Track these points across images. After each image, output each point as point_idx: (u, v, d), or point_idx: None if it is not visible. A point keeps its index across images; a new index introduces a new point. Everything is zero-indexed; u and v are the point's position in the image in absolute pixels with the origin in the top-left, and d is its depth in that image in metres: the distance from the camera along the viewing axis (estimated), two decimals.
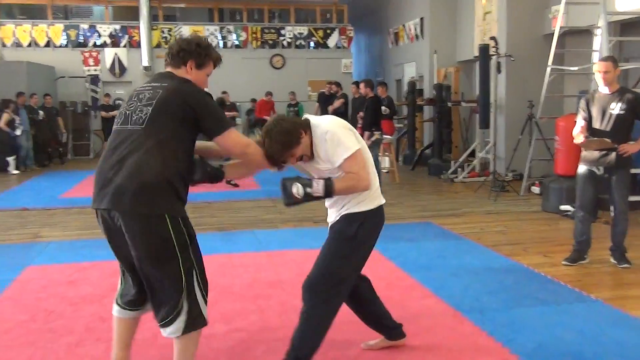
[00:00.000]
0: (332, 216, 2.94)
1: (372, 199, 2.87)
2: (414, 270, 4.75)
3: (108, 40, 15.55)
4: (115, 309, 2.81)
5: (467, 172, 10.03)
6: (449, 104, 11.19)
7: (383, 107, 9.80)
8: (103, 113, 14.22)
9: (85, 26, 15.57)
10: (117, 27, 15.63)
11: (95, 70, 15.49)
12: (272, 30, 16.44)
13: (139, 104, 2.56)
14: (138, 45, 15.51)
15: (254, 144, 2.70)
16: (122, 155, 2.48)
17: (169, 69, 2.70)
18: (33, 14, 16.59)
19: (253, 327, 3.60)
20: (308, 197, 2.69)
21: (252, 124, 14.10)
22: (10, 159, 11.97)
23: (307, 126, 2.76)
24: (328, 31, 16.70)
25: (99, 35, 15.52)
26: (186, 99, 2.54)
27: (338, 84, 12.89)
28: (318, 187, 2.68)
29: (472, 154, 10.54)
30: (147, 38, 15.35)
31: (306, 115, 2.89)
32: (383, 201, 2.94)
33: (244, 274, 4.73)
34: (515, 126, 9.31)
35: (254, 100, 14.99)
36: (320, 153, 2.75)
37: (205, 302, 2.67)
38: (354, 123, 11.28)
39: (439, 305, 3.96)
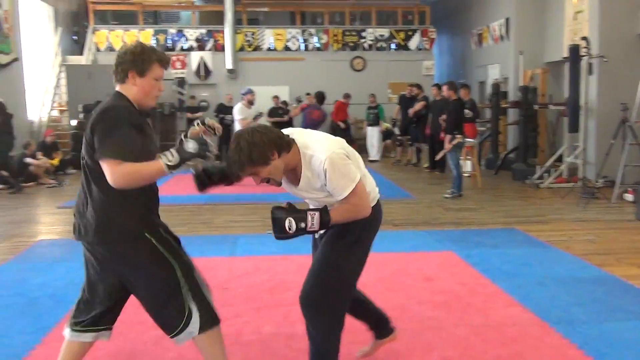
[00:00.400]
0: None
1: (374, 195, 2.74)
2: (497, 278, 4.61)
3: (194, 44, 16.06)
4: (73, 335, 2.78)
5: (554, 177, 9.65)
6: (535, 107, 10.82)
7: (466, 110, 9.59)
8: (188, 114, 14.73)
9: (173, 31, 16.15)
10: (203, 31, 16.12)
11: (182, 73, 16.02)
12: (353, 33, 16.46)
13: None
14: (222, 48, 15.93)
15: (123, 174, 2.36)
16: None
17: (117, 88, 2.59)
18: (125, 19, 17.37)
19: None
20: (302, 232, 2.51)
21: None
22: None
23: (284, 148, 2.46)
24: (409, 33, 16.55)
25: (186, 40, 16.06)
26: (91, 122, 2.47)
27: (419, 86, 12.74)
28: (313, 222, 2.48)
29: (559, 159, 10.15)
30: (231, 42, 15.74)
31: (295, 133, 2.59)
32: (378, 195, 2.81)
33: None
34: (606, 130, 8.88)
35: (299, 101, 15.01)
36: (314, 183, 2.54)
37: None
38: (435, 126, 11.15)
39: (524, 315, 3.82)
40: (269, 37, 16.23)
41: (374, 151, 14.02)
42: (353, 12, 17.60)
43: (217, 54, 16.05)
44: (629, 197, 8.08)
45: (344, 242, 2.64)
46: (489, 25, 14.38)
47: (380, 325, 3.10)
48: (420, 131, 12.14)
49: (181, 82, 15.89)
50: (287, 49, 16.27)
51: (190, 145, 2.45)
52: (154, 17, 18.31)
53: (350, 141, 13.06)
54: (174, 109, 15.79)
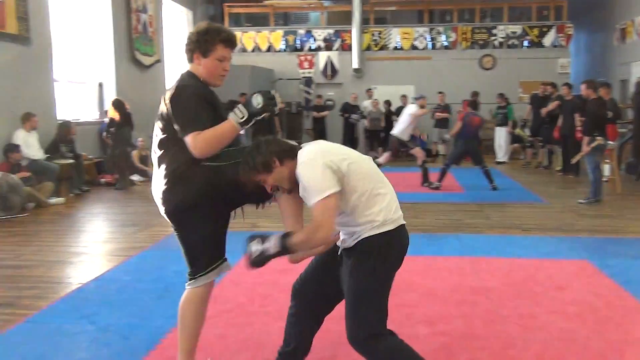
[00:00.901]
0: (347, 240, 2.55)
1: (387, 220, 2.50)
2: (638, 291, 4.28)
3: (322, 44, 16.35)
4: None
5: None
6: None
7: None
8: (315, 113, 15.03)
9: (302, 31, 16.54)
10: (331, 31, 16.36)
11: (309, 72, 16.37)
12: (483, 30, 15.97)
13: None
14: (349, 48, 16.08)
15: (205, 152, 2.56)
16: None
17: (188, 67, 2.75)
18: (257, 21, 18.04)
19: (456, 333, 3.53)
20: (266, 256, 2.42)
21: None
22: None
23: (288, 156, 2.47)
24: (544, 29, 15.77)
25: (314, 40, 16.38)
26: (165, 98, 2.66)
27: (554, 85, 12.11)
28: (270, 244, 2.41)
29: None
30: (357, 41, 15.85)
31: (307, 144, 2.56)
32: (402, 222, 2.59)
33: (448, 277, 4.65)
34: None
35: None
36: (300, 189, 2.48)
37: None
38: (566, 127, 10.55)
39: None
40: (395, 36, 16.16)
41: (502, 152, 13.53)
42: (483, 9, 17.07)
43: (344, 53, 16.23)
44: None
45: (362, 273, 2.48)
46: (634, 19, 13.37)
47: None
48: (553, 132, 11.54)
49: (308, 81, 16.24)
50: (413, 47, 16.10)
51: (258, 100, 2.59)
52: (284, 18, 18.85)
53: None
54: (300, 107, 16.19)
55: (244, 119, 2.59)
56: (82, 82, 11.15)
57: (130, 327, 3.65)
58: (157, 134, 2.74)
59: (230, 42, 2.70)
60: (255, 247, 2.44)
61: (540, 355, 3.19)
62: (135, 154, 10.95)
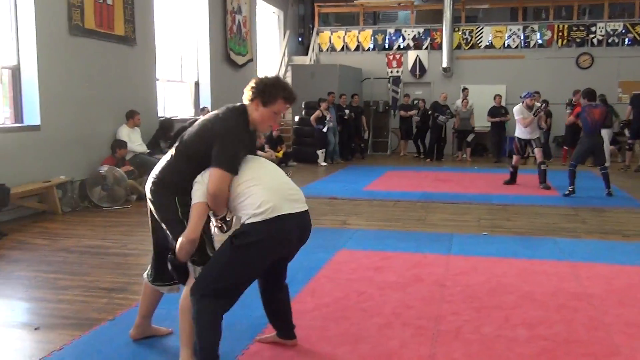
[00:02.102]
0: None
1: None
2: None
3: (411, 43, 16.25)
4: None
5: None
6: None
7: None
8: (402, 112, 14.97)
9: (391, 30, 16.51)
10: (421, 30, 16.23)
11: (397, 71, 16.32)
12: (581, 28, 15.35)
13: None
14: (439, 47, 15.90)
15: (217, 192, 2.85)
16: None
17: (244, 101, 3.00)
18: (347, 21, 18.17)
19: (558, 338, 3.46)
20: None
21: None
22: (320, 152, 13.31)
23: None
24: None
25: (403, 39, 16.31)
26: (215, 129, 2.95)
27: None
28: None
29: None
30: (448, 40, 15.64)
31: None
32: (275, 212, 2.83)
33: (546, 281, 4.56)
34: None
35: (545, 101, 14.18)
36: None
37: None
38: None
39: None
40: (487, 34, 15.83)
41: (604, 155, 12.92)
42: (582, 6, 16.41)
43: (433, 52, 16.06)
44: None
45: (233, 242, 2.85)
46: None
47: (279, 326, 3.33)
48: None
49: (396, 80, 16.19)
50: (506, 46, 15.71)
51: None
52: (373, 17, 18.89)
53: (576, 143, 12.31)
54: (387, 106, 16.17)
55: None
56: (179, 81, 11.65)
57: (234, 316, 3.78)
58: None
59: (290, 100, 2.95)
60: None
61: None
62: None
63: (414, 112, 14.87)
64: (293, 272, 4.70)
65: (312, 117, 13.18)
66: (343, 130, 13.97)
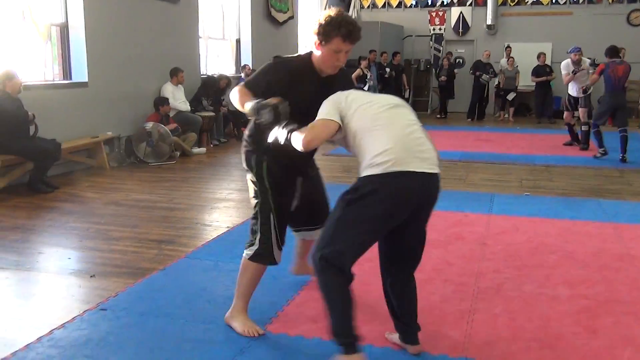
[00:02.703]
0: None
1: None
2: None
3: (455, 0, 15.89)
4: None
5: None
6: None
7: None
8: (443, 78, 14.71)
9: None
10: None
11: (440, 29, 16.03)
12: None
13: None
14: (483, 3, 15.52)
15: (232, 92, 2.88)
16: None
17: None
18: None
19: (600, 297, 3.49)
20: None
21: None
22: None
23: None
24: None
25: None
26: None
27: None
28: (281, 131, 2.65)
29: None
30: None
31: None
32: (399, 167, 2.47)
33: (588, 242, 4.56)
34: None
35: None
36: None
37: (280, 243, 3.07)
38: None
39: None
40: None
41: None
42: None
43: (478, 9, 15.69)
44: None
45: (345, 198, 2.57)
46: None
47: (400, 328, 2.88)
48: None
49: (438, 38, 15.92)
50: (553, 2, 15.23)
51: (267, 115, 2.63)
52: None
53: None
54: (429, 65, 15.94)
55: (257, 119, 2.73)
56: (221, 38, 11.69)
57: (279, 269, 3.89)
58: None
59: (349, 37, 2.77)
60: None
61: None
62: None
63: (456, 71, 14.65)
64: None
65: (353, 75, 13.07)
66: (383, 89, 13.84)
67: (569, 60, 9.19)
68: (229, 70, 11.83)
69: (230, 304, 3.21)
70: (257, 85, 2.84)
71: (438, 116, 14.58)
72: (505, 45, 14.43)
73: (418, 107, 16.08)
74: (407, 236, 2.66)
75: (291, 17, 13.66)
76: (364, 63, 12.98)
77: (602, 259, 4.16)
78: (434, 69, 15.81)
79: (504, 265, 4.04)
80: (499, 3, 15.44)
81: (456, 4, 15.88)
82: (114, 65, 8.10)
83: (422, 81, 16.17)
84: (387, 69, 13.77)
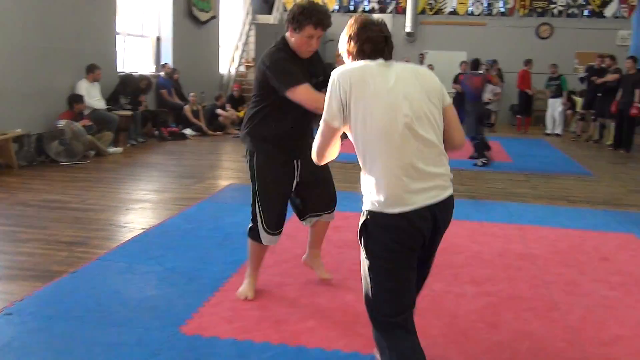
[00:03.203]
0: None
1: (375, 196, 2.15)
2: None
3: (376, 6, 16.25)
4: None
5: None
6: None
7: None
8: None
9: None
10: None
11: None
12: None
13: None
14: (403, 11, 15.95)
15: (311, 104, 2.89)
16: None
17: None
18: None
19: (502, 294, 3.69)
20: None
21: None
22: None
23: None
24: None
25: (369, 1, 16.30)
26: (261, 61, 3.11)
27: (612, 57, 11.84)
28: None
29: None
30: (412, 4, 15.70)
31: None
32: (396, 209, 2.10)
33: (494, 242, 4.80)
34: None
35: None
36: None
37: (265, 227, 3.32)
38: (626, 102, 10.36)
39: None
40: (452, 0, 15.92)
41: (554, 124, 13.33)
42: None
43: (398, 16, 16.10)
44: None
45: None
46: None
47: None
48: (607, 106, 11.29)
49: None
50: (469, 13, 15.86)
51: None
52: None
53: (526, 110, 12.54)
54: None
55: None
56: (140, 35, 11.43)
57: (194, 270, 3.93)
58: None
59: (320, 24, 3.01)
60: None
61: (582, 319, 3.34)
62: (187, 108, 11.25)
63: None
64: None
65: None
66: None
67: None
68: (149, 69, 11.59)
69: (144, 305, 3.25)
70: (301, 76, 2.99)
71: None
72: (420, 53, 14.89)
73: None
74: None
75: (214, 17, 13.53)
76: None
77: (507, 258, 4.39)
78: None
79: None
80: (419, 11, 15.92)
81: (377, 11, 16.21)
82: (24, 59, 7.76)
83: None
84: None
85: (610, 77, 11.31)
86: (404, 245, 2.17)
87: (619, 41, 15.10)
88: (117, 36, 9.99)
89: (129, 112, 9.52)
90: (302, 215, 3.61)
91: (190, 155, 9.12)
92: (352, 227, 5.03)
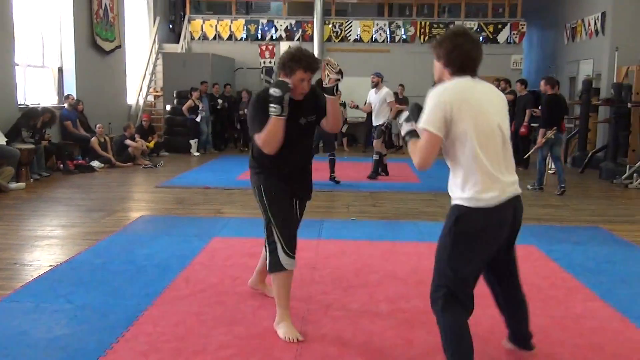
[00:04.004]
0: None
1: (470, 192, 2.64)
2: (579, 273, 4.67)
3: (283, 34, 16.48)
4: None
5: None
6: (629, 105, 10.49)
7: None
8: None
9: (264, 21, 16.63)
10: (293, 21, 16.50)
11: (270, 62, 16.48)
12: (441, 25, 16.38)
13: None
14: (310, 39, 16.27)
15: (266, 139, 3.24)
16: None
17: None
18: (219, 9, 18.03)
19: (416, 310, 3.82)
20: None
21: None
22: (193, 142, 13.21)
23: None
24: (499, 26, 16.29)
25: (276, 30, 16.50)
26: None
27: (507, 81, 12.60)
28: (409, 123, 2.81)
29: None
30: (319, 32, 16.06)
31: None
32: (483, 203, 2.62)
33: (407, 261, 4.95)
34: None
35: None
36: None
37: (287, 253, 3.34)
38: (518, 122, 11.04)
39: (605, 310, 3.90)
40: (356, 28, 16.43)
41: None
42: (442, 4, 17.49)
43: (305, 44, 16.38)
44: None
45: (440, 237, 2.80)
46: (584, 19, 13.99)
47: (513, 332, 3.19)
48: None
49: (269, 70, 16.36)
50: (373, 40, 16.41)
51: (275, 90, 3.18)
52: (246, 7, 18.90)
53: None
54: None
55: (278, 110, 3.18)
56: (41, 66, 11.03)
57: (107, 306, 3.82)
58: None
59: (309, 68, 3.30)
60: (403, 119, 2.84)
61: (490, 329, 3.51)
62: (94, 140, 10.93)
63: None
64: (166, 262, 4.78)
65: (184, 107, 13.04)
66: (216, 120, 13.95)
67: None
68: (51, 100, 11.18)
69: (54, 345, 3.13)
70: (258, 125, 3.29)
71: None
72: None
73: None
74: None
75: (119, 46, 13.29)
76: (195, 94, 12.98)
77: (419, 275, 4.54)
78: None
79: (332, 287, 4.26)
80: (325, 39, 16.30)
81: (285, 39, 16.47)
82: None
83: None
84: (219, 100, 13.87)
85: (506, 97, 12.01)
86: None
87: (512, 65, 16.08)
88: (16, 67, 9.60)
89: (31, 146, 9.13)
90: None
91: (99, 188, 8.84)
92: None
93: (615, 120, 10.49)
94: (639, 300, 4.08)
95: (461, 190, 2.66)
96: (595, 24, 13.29)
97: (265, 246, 3.44)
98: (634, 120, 10.91)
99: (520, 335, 3.14)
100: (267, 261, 3.40)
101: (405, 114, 2.83)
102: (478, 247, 2.69)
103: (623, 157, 10.71)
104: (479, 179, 2.61)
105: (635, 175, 9.49)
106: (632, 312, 3.84)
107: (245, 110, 14.74)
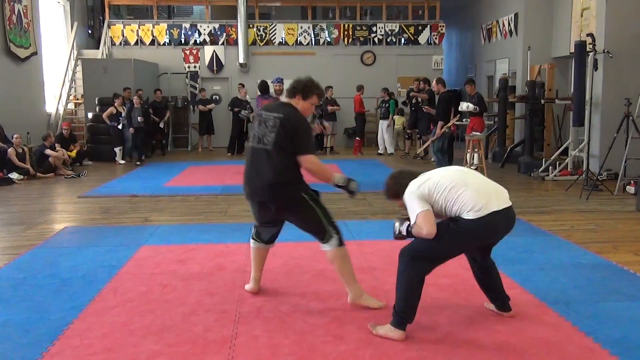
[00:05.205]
0: None
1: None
2: (499, 263, 4.75)
3: (207, 39, 16.32)
4: (254, 243, 4.22)
5: (559, 170, 9.89)
6: (542, 101, 11.04)
7: (466, 104, 10.35)
8: (201, 107, 15.04)
9: (187, 25, 16.42)
10: (216, 25, 16.37)
11: (195, 67, 16.29)
12: (364, 27, 16.67)
13: (266, 129, 3.76)
14: (235, 43, 16.19)
15: (315, 164, 3.79)
16: (257, 167, 3.86)
17: (286, 99, 3.91)
18: (140, 14, 17.66)
19: (346, 307, 3.90)
20: (401, 236, 3.53)
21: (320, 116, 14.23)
22: (117, 150, 12.88)
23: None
24: (420, 27, 16.74)
25: (199, 34, 16.33)
26: (291, 124, 3.74)
27: (427, 80, 12.99)
28: (403, 228, 3.51)
29: (565, 152, 10.38)
30: (243, 36, 16.00)
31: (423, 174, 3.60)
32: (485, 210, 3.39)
33: None
34: (611, 124, 9.12)
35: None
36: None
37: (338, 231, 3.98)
38: (437, 120, 11.44)
39: (523, 296, 4.10)
40: (280, 31, 16.48)
41: (385, 144, 14.25)
42: (364, 7, 17.80)
43: (230, 48, 16.31)
44: (631, 189, 8.31)
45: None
46: (498, 20, 14.58)
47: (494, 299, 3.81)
48: (425, 124, 12.52)
49: (194, 75, 16.17)
50: (298, 43, 16.50)
51: (355, 186, 4.01)
52: (168, 11, 18.60)
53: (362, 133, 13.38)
54: (186, 102, 16.08)
55: (339, 183, 4.00)
56: None
57: (30, 321, 3.69)
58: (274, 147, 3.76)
59: (321, 96, 3.96)
60: (397, 227, 3.55)
61: (417, 320, 3.61)
62: (11, 151, 10.48)
63: (212, 105, 15.07)
64: (92, 274, 4.66)
65: (105, 114, 12.71)
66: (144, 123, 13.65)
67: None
68: None
69: None
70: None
71: (229, 154, 14.59)
72: (238, 83, 15.30)
73: (178, 143, 16.10)
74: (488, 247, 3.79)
75: (35, 53, 12.81)
76: (118, 101, 12.67)
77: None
78: (191, 106, 15.98)
79: (263, 289, 4.28)
80: (250, 43, 16.26)
81: (209, 43, 16.31)
82: None
83: (180, 118, 16.21)
84: (144, 106, 13.58)
85: (421, 95, 12.67)
86: None
87: (434, 66, 16.56)
88: None
89: None
90: (272, 241, 4.22)
91: (18, 200, 8.50)
92: (197, 259, 5.04)
93: (530, 116, 10.99)
94: (555, 286, 4.32)
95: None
96: (509, 24, 13.87)
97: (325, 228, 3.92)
98: (547, 116, 11.50)
99: (498, 297, 3.75)
100: (334, 238, 3.91)
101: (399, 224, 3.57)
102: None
103: (539, 151, 11.25)
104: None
105: (550, 167, 9.98)
106: (549, 297, 4.06)
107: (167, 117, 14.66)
